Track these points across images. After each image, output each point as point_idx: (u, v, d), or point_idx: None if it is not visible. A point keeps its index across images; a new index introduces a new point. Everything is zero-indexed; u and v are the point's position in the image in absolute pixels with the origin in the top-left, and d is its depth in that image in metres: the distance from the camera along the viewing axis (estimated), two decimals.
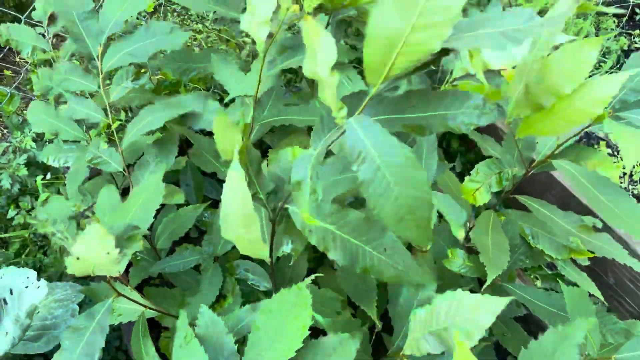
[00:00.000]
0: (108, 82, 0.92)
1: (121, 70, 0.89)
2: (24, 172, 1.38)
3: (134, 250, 0.59)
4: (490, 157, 0.86)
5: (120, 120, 0.94)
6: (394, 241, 0.60)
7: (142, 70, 0.87)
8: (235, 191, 0.53)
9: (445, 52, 0.43)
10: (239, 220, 0.56)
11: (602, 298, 0.84)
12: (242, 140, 0.61)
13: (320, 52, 0.44)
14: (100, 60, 0.87)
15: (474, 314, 0.54)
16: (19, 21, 1.90)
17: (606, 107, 0.72)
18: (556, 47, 0.57)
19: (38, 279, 0.73)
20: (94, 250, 0.52)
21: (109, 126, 0.90)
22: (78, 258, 0.52)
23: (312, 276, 0.61)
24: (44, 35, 1.00)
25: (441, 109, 0.47)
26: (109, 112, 0.90)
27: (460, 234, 0.76)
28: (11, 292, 0.73)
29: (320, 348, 0.59)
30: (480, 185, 0.79)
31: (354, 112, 0.50)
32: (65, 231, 0.62)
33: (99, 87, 0.88)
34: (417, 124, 0.49)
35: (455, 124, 0.47)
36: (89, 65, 0.90)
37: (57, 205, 0.84)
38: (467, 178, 0.80)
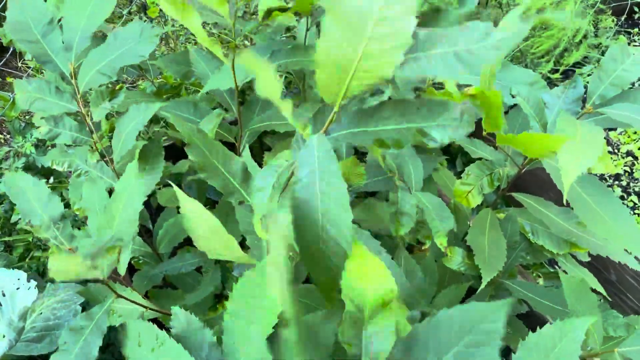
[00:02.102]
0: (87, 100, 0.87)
1: (95, 93, 0.82)
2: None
3: (110, 262, 0.59)
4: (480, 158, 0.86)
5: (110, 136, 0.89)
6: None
7: (118, 87, 0.81)
8: (192, 213, 0.54)
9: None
10: (207, 231, 0.56)
11: (604, 293, 0.84)
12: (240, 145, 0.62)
13: (263, 82, 0.42)
14: (75, 79, 0.80)
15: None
16: None
17: (588, 104, 0.73)
18: None
19: (43, 282, 0.73)
20: (65, 266, 0.53)
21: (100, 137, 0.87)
22: (57, 272, 0.52)
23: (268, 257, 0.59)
24: None
25: (418, 120, 0.44)
26: (94, 132, 0.84)
27: (442, 243, 0.75)
28: (3, 294, 0.73)
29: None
30: (472, 187, 0.79)
31: (320, 128, 0.49)
32: (60, 235, 0.62)
33: (78, 107, 0.81)
34: (390, 137, 0.46)
35: (431, 138, 0.43)
36: (63, 83, 0.84)
37: (40, 196, 0.72)
38: (458, 181, 0.80)
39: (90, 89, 0.80)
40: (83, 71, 0.79)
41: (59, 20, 0.80)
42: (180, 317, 0.60)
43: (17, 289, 0.69)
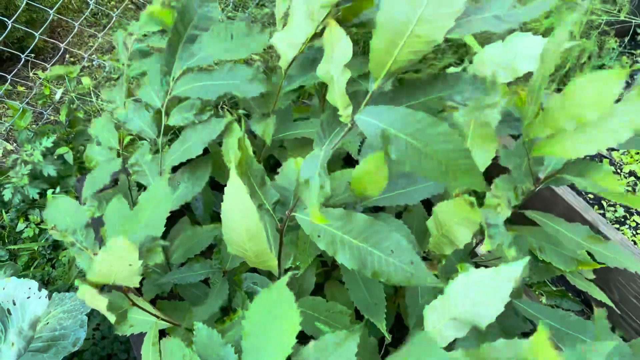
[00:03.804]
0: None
1: (187, 102, 0.85)
2: (25, 181, 1.39)
3: (154, 262, 0.60)
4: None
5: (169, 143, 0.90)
6: (399, 241, 0.61)
7: (207, 108, 0.83)
8: (237, 203, 0.54)
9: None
10: (244, 233, 0.57)
11: (613, 306, 0.84)
12: (243, 152, 0.63)
13: (336, 52, 0.47)
14: (172, 81, 0.82)
15: (491, 285, 0.53)
16: (31, 36, 1.94)
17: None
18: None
19: (48, 292, 0.74)
20: (117, 262, 0.54)
21: (155, 143, 0.88)
22: (101, 269, 0.53)
23: (290, 273, 0.60)
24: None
25: (435, 92, 0.51)
26: (161, 133, 0.87)
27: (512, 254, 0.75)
28: (14, 303, 0.74)
29: (319, 347, 0.58)
30: (501, 199, 0.79)
31: (356, 110, 0.52)
32: (84, 240, 0.63)
33: (162, 106, 0.85)
34: (420, 108, 0.51)
35: (453, 102, 0.50)
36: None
37: (69, 209, 0.79)
38: (488, 193, 0.81)
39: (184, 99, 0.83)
40: (183, 80, 0.81)
41: None
42: (202, 332, 0.61)
43: (28, 298, 0.69)
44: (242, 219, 0.55)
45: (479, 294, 0.54)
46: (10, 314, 0.69)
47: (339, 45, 0.48)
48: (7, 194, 1.39)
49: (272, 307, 0.54)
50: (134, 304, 0.68)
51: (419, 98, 0.51)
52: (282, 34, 0.70)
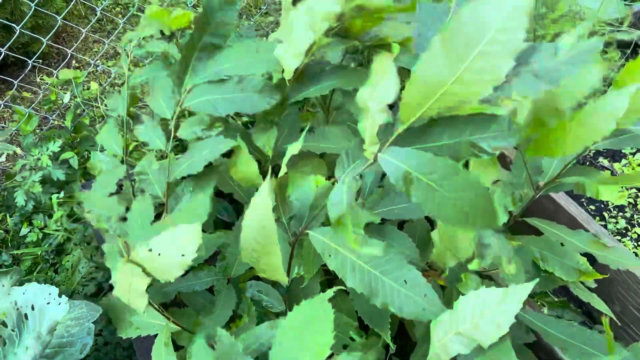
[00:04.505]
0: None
1: (197, 117, 0.84)
2: (38, 189, 1.40)
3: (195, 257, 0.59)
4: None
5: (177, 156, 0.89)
6: (414, 274, 0.60)
7: (217, 125, 0.82)
8: (260, 219, 0.55)
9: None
10: (261, 248, 0.58)
11: (614, 317, 0.85)
12: (266, 166, 0.64)
13: (381, 89, 0.46)
14: (184, 92, 0.80)
15: (500, 306, 0.53)
16: (36, 42, 1.95)
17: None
18: None
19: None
20: (177, 248, 0.54)
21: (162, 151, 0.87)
22: (159, 254, 0.53)
23: (334, 289, 0.59)
24: None
25: (466, 134, 0.48)
26: (170, 144, 0.86)
27: (510, 271, 0.75)
28: (32, 308, 0.75)
29: None
30: (498, 205, 0.80)
31: (383, 144, 0.52)
32: (119, 228, 0.64)
33: (172, 118, 0.83)
34: (446, 152, 0.50)
35: (482, 149, 0.48)
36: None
37: (105, 202, 0.78)
38: None
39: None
40: (196, 92, 0.79)
41: None
42: (224, 340, 0.61)
43: (48, 303, 0.70)
44: (261, 234, 0.56)
45: (486, 314, 0.54)
46: (27, 318, 0.70)
47: (384, 80, 0.47)
48: (20, 200, 1.40)
49: (311, 319, 0.54)
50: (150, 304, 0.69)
51: (448, 140, 0.49)
52: (285, 45, 0.71)
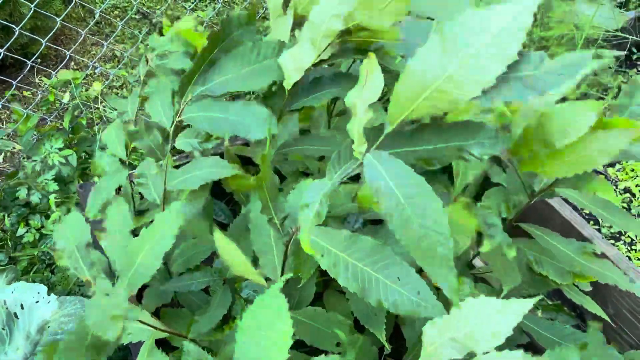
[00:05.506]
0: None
1: (194, 129, 0.82)
2: (54, 187, 1.41)
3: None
4: (497, 184, 0.87)
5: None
6: (408, 270, 0.59)
7: (214, 137, 0.80)
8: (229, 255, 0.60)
9: None
10: (240, 269, 0.61)
11: (609, 320, 0.85)
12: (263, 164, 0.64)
13: (367, 88, 0.47)
14: (183, 104, 0.79)
15: (498, 316, 0.53)
16: (35, 43, 1.96)
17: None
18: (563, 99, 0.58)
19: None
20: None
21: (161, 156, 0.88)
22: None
23: (283, 278, 0.58)
24: None
25: (455, 140, 0.48)
26: (167, 153, 0.85)
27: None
28: (22, 307, 0.75)
29: None
30: (491, 209, 0.80)
31: (372, 145, 0.52)
32: (82, 262, 0.63)
33: (171, 125, 0.82)
34: (431, 157, 0.50)
35: (470, 154, 0.48)
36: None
37: (75, 225, 0.72)
38: (479, 204, 0.81)
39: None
40: (192, 107, 0.78)
41: None
42: (192, 353, 0.61)
43: (37, 302, 0.70)
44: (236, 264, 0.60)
45: (483, 323, 0.54)
46: (17, 317, 0.70)
47: (371, 79, 0.47)
48: (34, 199, 1.41)
49: (264, 316, 0.51)
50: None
51: (437, 144, 0.49)
52: (290, 55, 0.71)
